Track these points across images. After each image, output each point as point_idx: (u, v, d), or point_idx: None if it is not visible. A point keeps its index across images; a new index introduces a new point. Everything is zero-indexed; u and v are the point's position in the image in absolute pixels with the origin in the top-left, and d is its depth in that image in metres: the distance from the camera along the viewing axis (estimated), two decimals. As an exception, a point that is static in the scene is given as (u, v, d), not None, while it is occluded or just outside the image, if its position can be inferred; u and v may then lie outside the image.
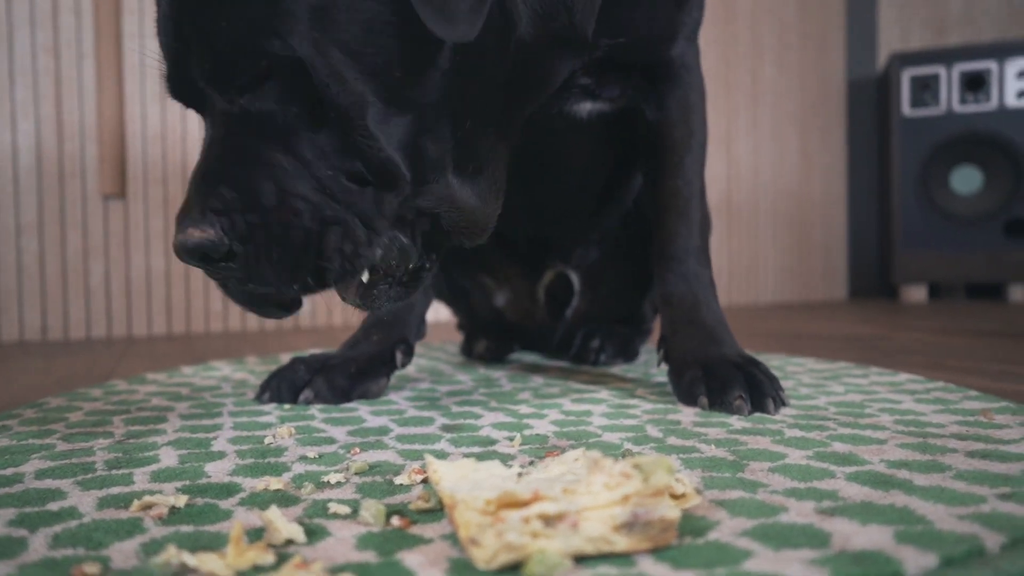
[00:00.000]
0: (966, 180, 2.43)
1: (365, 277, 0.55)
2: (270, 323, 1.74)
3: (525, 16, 0.58)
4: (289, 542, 0.36)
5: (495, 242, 0.99)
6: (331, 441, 0.57)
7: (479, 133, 0.58)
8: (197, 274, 1.66)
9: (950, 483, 0.43)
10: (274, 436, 0.58)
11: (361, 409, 0.70)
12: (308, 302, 1.77)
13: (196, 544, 0.36)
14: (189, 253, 0.51)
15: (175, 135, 1.63)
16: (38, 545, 0.36)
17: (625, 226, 0.99)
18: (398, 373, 0.91)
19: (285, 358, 1.08)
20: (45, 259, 1.53)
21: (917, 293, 2.49)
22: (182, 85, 0.53)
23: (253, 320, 1.72)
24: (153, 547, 0.35)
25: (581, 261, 0.99)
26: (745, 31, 2.47)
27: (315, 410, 0.69)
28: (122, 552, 0.35)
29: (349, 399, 0.73)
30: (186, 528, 0.38)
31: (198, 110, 0.54)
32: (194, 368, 0.96)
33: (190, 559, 0.32)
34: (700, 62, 0.81)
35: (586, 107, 0.77)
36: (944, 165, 2.44)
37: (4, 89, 1.48)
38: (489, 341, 1.04)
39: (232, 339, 1.54)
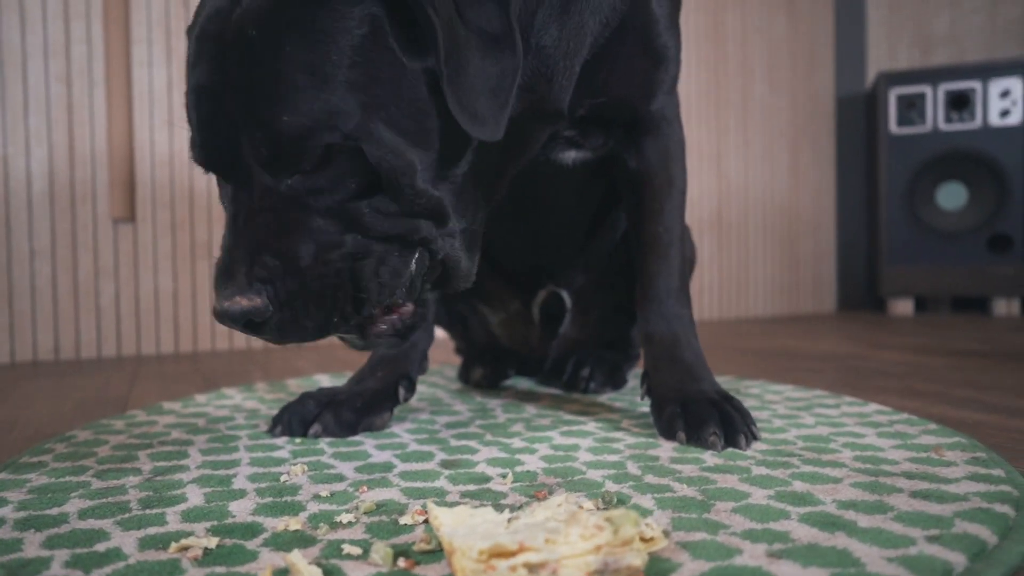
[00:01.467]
0: (951, 196, 2.49)
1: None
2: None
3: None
4: (310, 583, 0.42)
5: (493, 272, 1.05)
6: (341, 478, 0.63)
7: (479, 199, 0.65)
8: (204, 295, 1.72)
9: (889, 524, 0.49)
10: (289, 474, 0.64)
11: (367, 443, 0.76)
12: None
13: (230, 585, 0.41)
14: (234, 320, 0.55)
15: (182, 160, 1.68)
16: (95, 587, 0.41)
17: (613, 255, 1.05)
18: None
19: (292, 383, 1.13)
20: (57, 281, 1.58)
21: (904, 306, 2.55)
22: (221, 160, 0.56)
23: (258, 340, 1.78)
24: (193, 588, 0.41)
25: (572, 284, 1.05)
26: (736, 50, 2.54)
27: (324, 444, 0.75)
28: (168, 593, 0.41)
29: (355, 432, 0.79)
30: (219, 569, 0.44)
31: (227, 179, 0.58)
32: (207, 396, 1.02)
33: (229, 602, 0.38)
34: (679, 113, 0.86)
35: (571, 155, 0.83)
36: (930, 181, 2.50)
37: (19, 117, 1.54)
38: (485, 368, 1.10)
39: (236, 357, 1.59)
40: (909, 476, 0.60)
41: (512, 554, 0.39)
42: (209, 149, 0.56)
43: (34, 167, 1.56)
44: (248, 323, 0.56)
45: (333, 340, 1.85)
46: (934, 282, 2.49)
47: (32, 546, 0.47)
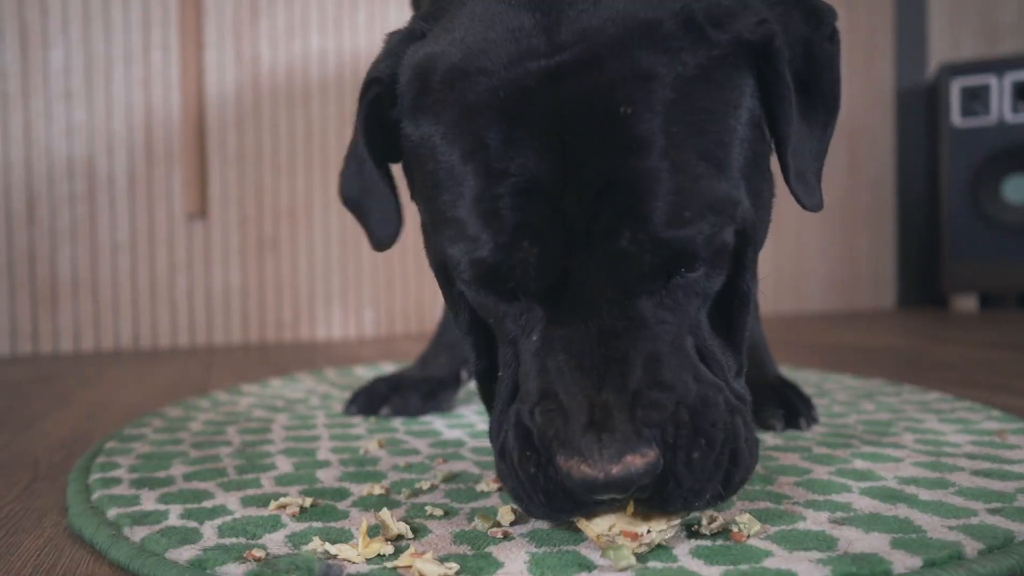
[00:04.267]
0: (1018, 190, 2.42)
1: None
2: (336, 333, 1.86)
3: None
4: (400, 537, 0.45)
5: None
6: (416, 452, 0.67)
7: None
8: (270, 288, 1.79)
9: (950, 498, 0.50)
10: (367, 448, 0.68)
11: (437, 422, 0.80)
12: (372, 314, 1.89)
13: (329, 536, 0.45)
14: (626, 489, 0.38)
15: (251, 158, 1.76)
16: (210, 534, 0.46)
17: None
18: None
19: (358, 370, 1.19)
20: (137, 274, 1.68)
21: (967, 302, 2.49)
22: (552, 273, 0.42)
23: (321, 330, 1.84)
24: (296, 538, 0.45)
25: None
26: (792, 44, 2.51)
27: (397, 423, 0.79)
28: (274, 541, 0.45)
29: (424, 413, 0.83)
30: (316, 524, 0.48)
31: (549, 298, 0.43)
32: (282, 380, 1.08)
33: (332, 548, 0.42)
34: None
35: None
36: (995, 175, 2.43)
37: (102, 120, 1.63)
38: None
39: (302, 348, 1.66)
40: (971, 457, 0.61)
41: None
42: (542, 260, 0.42)
43: (116, 167, 1.65)
44: (633, 486, 0.39)
45: (394, 330, 1.91)
46: (999, 278, 2.42)
47: (149, 501, 0.53)
